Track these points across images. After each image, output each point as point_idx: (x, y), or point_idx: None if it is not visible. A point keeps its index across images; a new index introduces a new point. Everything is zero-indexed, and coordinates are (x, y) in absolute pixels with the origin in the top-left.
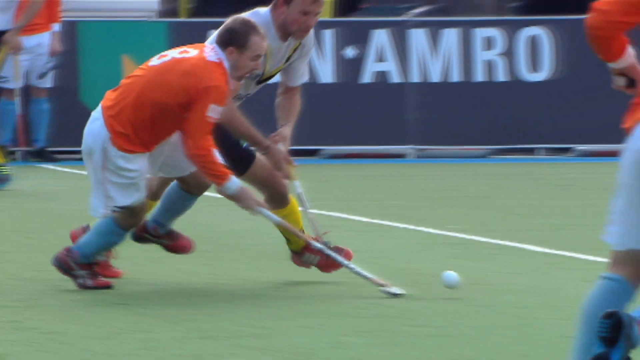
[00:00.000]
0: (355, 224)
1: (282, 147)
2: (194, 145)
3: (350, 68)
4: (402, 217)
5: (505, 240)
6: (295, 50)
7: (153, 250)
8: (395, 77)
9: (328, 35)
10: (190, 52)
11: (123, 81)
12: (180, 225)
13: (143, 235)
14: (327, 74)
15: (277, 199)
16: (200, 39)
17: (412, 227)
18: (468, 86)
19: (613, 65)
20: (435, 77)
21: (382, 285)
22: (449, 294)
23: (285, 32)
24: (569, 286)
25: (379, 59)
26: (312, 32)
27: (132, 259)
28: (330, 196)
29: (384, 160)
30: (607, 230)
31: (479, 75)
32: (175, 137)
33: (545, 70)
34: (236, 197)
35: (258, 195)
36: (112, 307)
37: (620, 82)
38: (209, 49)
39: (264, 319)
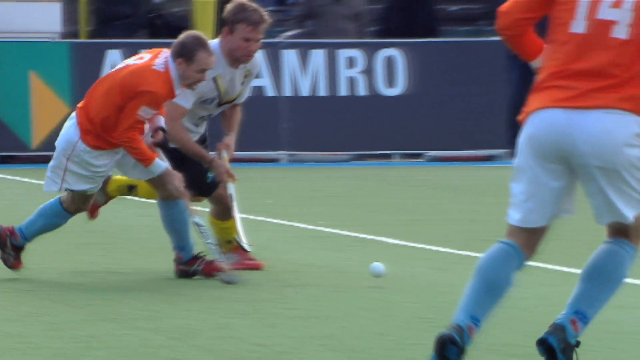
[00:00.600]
0: None
1: (226, 155)
2: (120, 134)
3: None
4: (275, 213)
5: (366, 234)
6: (246, 76)
7: (57, 244)
8: (270, 92)
9: None
10: (144, 57)
11: (97, 81)
12: (83, 220)
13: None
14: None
15: (224, 212)
16: (99, 58)
17: (285, 222)
18: (333, 99)
19: (533, 64)
20: (305, 91)
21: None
22: (317, 280)
23: (232, 58)
24: (421, 274)
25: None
26: (258, 57)
27: (39, 252)
28: None
29: (259, 164)
30: (509, 212)
31: (343, 90)
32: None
33: (399, 86)
34: (164, 176)
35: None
36: (21, 293)
37: None
38: (161, 58)
39: (155, 303)
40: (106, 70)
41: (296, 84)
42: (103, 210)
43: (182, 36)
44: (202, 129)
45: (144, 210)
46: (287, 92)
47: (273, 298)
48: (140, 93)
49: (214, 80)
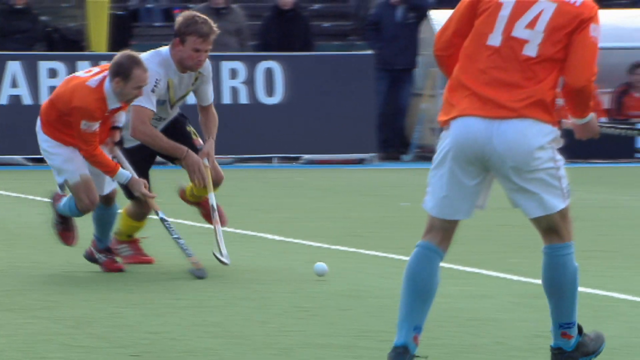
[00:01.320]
0: None
1: (207, 162)
2: (84, 151)
3: None
4: (171, 213)
5: (248, 230)
6: (196, 79)
7: None
8: None
9: None
10: (92, 71)
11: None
12: None
13: None
14: None
15: (141, 215)
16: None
17: (174, 220)
18: (218, 107)
19: None
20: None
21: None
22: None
23: (183, 66)
24: (298, 267)
25: None
26: (208, 61)
27: None
28: None
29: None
30: (425, 199)
31: (226, 99)
32: None
33: (278, 95)
34: (129, 184)
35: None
36: None
37: None
38: (99, 75)
39: (53, 294)
40: (7, 81)
41: None
42: (5, 209)
43: (118, 56)
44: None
45: (43, 209)
46: None
47: (162, 289)
48: (73, 109)
49: (167, 84)
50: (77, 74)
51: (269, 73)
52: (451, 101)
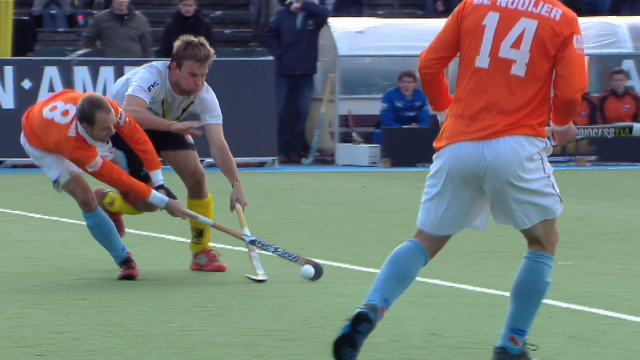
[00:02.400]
0: (30, 219)
1: (240, 206)
2: (97, 176)
3: (27, 97)
4: (68, 214)
5: (150, 232)
6: (188, 105)
7: None
8: None
9: (8, 70)
10: (57, 107)
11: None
12: None
13: None
14: (9, 101)
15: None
16: None
17: (78, 222)
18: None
19: (440, 116)
20: None
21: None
22: (106, 274)
23: (180, 89)
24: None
25: (51, 89)
26: (206, 95)
27: None
28: (10, 197)
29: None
30: (419, 217)
31: None
32: None
33: None
34: (167, 209)
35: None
36: None
37: None
38: (72, 125)
39: None
40: None
41: None
42: None
43: (81, 101)
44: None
45: None
46: None
47: (67, 289)
48: (59, 149)
49: (162, 101)
50: (46, 113)
51: None
52: (446, 125)
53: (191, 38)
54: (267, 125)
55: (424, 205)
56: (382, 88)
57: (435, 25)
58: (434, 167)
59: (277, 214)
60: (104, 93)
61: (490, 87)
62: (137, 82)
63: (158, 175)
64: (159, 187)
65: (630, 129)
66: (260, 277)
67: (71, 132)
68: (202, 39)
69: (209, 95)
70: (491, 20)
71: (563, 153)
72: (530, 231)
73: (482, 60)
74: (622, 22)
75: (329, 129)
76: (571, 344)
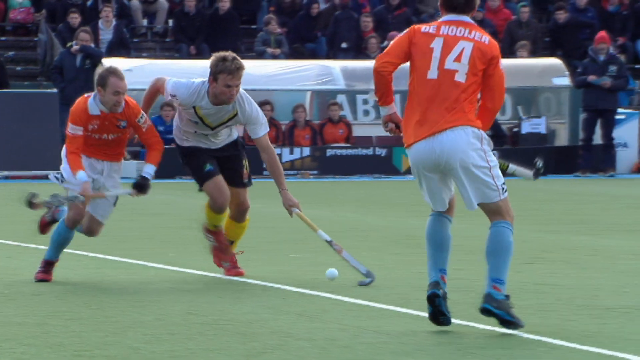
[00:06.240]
0: None
1: (298, 210)
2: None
3: None
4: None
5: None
6: (232, 117)
7: None
8: None
9: None
10: None
11: None
12: None
13: None
14: None
15: (240, 216)
16: None
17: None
18: None
19: (386, 110)
20: None
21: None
22: None
23: (219, 100)
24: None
25: None
26: (253, 110)
27: None
28: None
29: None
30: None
31: None
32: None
33: None
34: (82, 189)
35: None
36: None
37: (390, 125)
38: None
39: None
40: None
41: None
42: None
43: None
44: (212, 144)
45: None
46: None
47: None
48: (70, 113)
49: (194, 108)
50: None
51: None
52: (407, 129)
53: (224, 54)
54: (52, 145)
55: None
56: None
57: (190, 65)
58: (411, 164)
59: None
60: None
61: (441, 93)
62: (175, 80)
63: (148, 168)
64: (142, 177)
65: (508, 166)
66: (368, 280)
67: (89, 101)
68: (233, 54)
69: (251, 108)
70: (437, 44)
71: (291, 167)
72: (484, 205)
73: (432, 73)
74: (336, 65)
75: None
76: (299, 320)
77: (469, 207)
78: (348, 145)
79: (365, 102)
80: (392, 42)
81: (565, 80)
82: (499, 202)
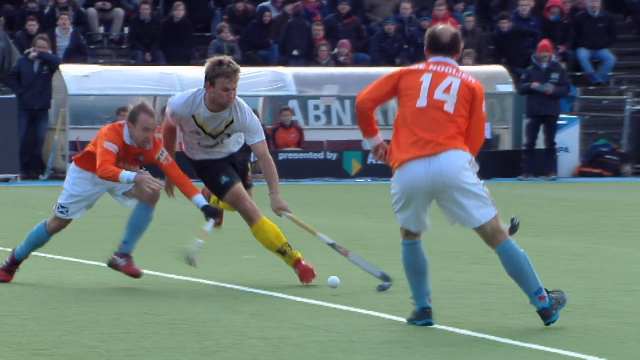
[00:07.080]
0: None
1: (289, 214)
2: (97, 167)
3: None
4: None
5: None
6: (227, 125)
7: None
8: None
9: None
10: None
11: None
12: None
13: None
14: None
15: (246, 217)
16: None
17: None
18: None
19: (371, 141)
20: None
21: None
22: None
23: (215, 104)
24: None
25: None
26: (248, 118)
27: None
28: None
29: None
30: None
31: None
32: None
33: None
34: (136, 182)
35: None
36: None
37: (380, 152)
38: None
39: None
40: None
41: None
42: None
43: (132, 106)
44: (216, 154)
45: None
46: None
47: None
48: (104, 133)
49: (193, 117)
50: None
51: None
52: (397, 154)
53: (219, 58)
54: (11, 149)
55: (397, 214)
56: (104, 120)
57: (144, 72)
58: (394, 185)
59: (19, 219)
60: None
61: (430, 120)
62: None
63: (198, 199)
64: (203, 208)
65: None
66: (387, 284)
67: (121, 121)
68: (229, 58)
69: (246, 117)
70: (426, 78)
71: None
72: (484, 228)
73: (422, 102)
74: (288, 71)
75: (61, 152)
76: (252, 319)
77: (467, 225)
78: (300, 149)
79: (317, 107)
80: (376, 81)
81: (509, 87)
82: (492, 220)
